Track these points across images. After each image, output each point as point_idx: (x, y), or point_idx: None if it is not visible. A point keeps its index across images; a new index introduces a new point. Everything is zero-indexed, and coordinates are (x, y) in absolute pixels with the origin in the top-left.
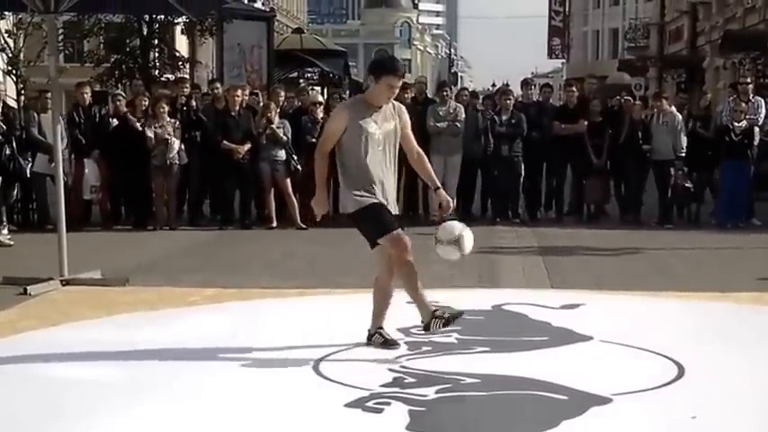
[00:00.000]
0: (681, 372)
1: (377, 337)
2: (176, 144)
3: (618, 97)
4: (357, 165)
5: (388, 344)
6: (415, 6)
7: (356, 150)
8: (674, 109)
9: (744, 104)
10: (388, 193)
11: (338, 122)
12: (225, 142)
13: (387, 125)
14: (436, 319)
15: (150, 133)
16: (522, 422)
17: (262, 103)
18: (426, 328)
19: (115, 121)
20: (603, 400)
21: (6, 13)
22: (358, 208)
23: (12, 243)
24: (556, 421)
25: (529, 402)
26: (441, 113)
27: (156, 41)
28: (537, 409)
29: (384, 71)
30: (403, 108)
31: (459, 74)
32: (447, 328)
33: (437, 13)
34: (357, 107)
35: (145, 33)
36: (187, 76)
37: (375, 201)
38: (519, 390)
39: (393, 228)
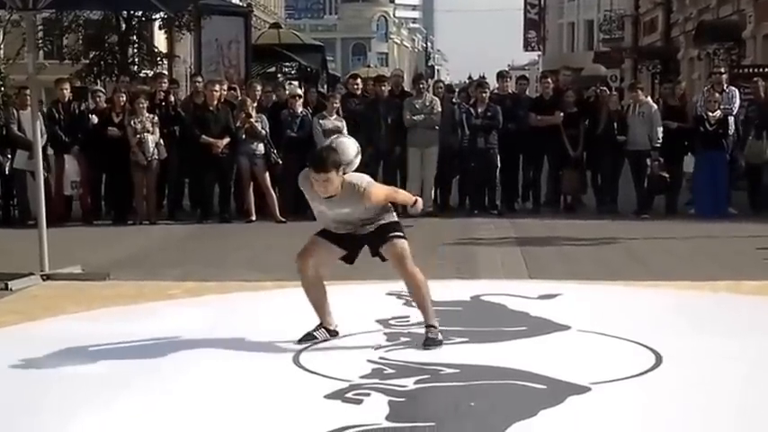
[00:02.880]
0: (658, 360)
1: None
2: (151, 141)
3: (593, 88)
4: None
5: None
6: (392, 0)
7: None
8: (649, 99)
9: (717, 95)
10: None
11: None
12: (204, 136)
13: None
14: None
15: (132, 137)
16: (501, 412)
17: (240, 98)
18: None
19: (95, 118)
20: (582, 389)
21: None
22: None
23: None
24: (534, 410)
25: (508, 392)
26: (417, 106)
27: (135, 37)
28: (516, 398)
29: None
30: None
31: (436, 67)
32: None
33: (413, 7)
34: None
35: (123, 29)
36: (166, 72)
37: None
38: (498, 379)
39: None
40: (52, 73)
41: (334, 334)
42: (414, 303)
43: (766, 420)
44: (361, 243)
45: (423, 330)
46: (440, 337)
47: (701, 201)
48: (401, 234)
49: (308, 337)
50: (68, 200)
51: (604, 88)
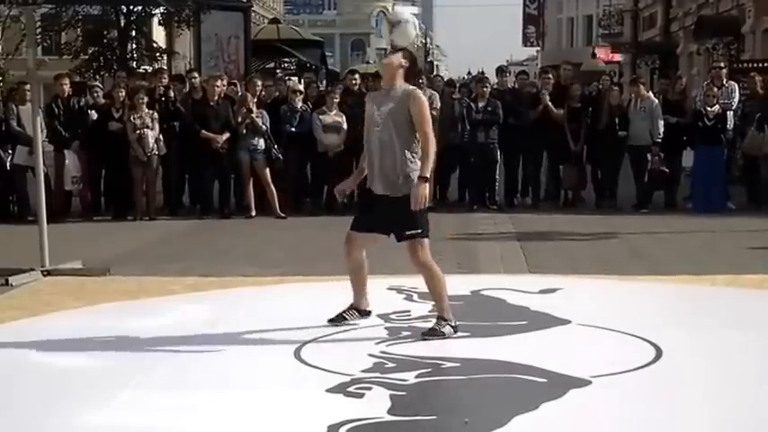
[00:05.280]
0: (659, 354)
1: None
2: (150, 136)
3: (596, 83)
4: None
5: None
6: None
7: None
8: (651, 94)
9: (716, 89)
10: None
11: None
12: (203, 131)
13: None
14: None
15: (131, 133)
16: (501, 406)
17: (240, 94)
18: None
19: (94, 113)
20: (582, 383)
21: None
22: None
23: None
24: (535, 404)
25: (508, 386)
26: None
27: (134, 33)
28: (516, 392)
29: None
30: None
31: (435, 63)
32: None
33: (412, 3)
34: None
35: (122, 25)
36: (165, 67)
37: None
38: (498, 374)
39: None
40: (51, 69)
41: (365, 314)
42: (415, 298)
43: (766, 413)
44: (387, 219)
45: (424, 324)
46: (445, 330)
47: (698, 196)
48: (419, 231)
49: (339, 318)
50: (68, 195)
51: (607, 78)
